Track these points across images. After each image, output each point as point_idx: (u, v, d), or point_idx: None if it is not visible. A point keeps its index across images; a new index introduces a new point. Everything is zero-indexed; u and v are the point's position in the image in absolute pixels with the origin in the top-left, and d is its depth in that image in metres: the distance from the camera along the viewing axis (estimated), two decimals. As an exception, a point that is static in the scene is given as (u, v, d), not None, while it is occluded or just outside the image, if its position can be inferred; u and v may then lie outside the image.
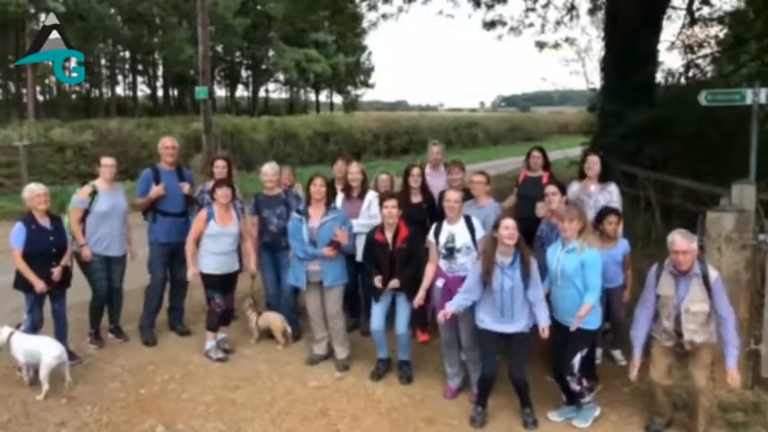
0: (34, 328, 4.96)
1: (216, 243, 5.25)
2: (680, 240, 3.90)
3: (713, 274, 3.94)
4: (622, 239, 5.07)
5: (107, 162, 5.54)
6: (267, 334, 5.72)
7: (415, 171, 5.69)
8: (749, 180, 5.40)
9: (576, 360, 4.19)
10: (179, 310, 6.05)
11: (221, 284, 5.36)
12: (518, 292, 4.16)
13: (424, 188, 5.73)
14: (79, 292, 5.51)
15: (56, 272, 4.97)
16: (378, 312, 4.98)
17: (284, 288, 5.79)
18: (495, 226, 4.19)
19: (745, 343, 4.61)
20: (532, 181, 5.76)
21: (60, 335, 5.09)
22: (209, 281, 5.33)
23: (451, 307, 4.29)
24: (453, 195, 4.64)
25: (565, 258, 4.24)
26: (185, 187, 5.82)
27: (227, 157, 6.45)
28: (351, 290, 5.66)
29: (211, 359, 5.33)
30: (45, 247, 4.92)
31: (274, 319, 5.65)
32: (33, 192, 4.94)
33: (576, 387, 4.24)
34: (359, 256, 5.42)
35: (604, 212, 4.99)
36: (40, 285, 4.85)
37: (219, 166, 5.95)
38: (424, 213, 5.52)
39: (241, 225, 5.47)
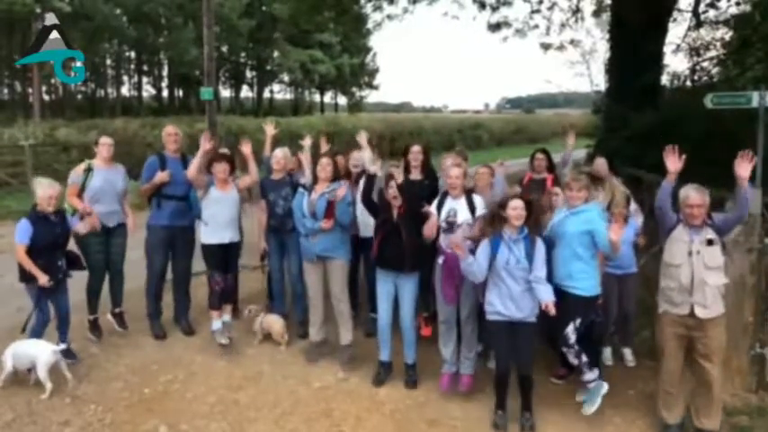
0: (44, 322, 4.96)
1: (217, 207, 5.33)
2: (694, 195, 3.89)
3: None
4: (630, 220, 4.94)
5: (104, 141, 5.58)
6: (270, 336, 5.73)
7: (415, 148, 5.64)
8: (755, 184, 5.38)
9: (570, 330, 4.10)
10: (183, 302, 6.05)
11: (222, 257, 5.40)
12: (522, 269, 4.07)
13: (425, 167, 5.62)
14: (79, 290, 5.52)
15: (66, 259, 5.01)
16: (384, 306, 4.84)
17: (292, 277, 5.82)
18: (503, 205, 4.11)
19: (750, 347, 4.60)
20: (537, 183, 5.75)
21: (62, 330, 5.11)
22: (209, 252, 5.39)
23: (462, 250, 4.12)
24: (455, 171, 4.63)
25: (569, 220, 4.14)
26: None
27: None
28: (351, 272, 5.55)
29: (216, 341, 5.37)
30: (51, 239, 4.92)
31: (274, 323, 5.67)
32: (47, 192, 4.87)
33: (573, 360, 4.12)
34: (362, 232, 5.42)
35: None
36: (43, 279, 4.81)
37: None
38: (425, 190, 5.31)
39: (240, 185, 5.54)
